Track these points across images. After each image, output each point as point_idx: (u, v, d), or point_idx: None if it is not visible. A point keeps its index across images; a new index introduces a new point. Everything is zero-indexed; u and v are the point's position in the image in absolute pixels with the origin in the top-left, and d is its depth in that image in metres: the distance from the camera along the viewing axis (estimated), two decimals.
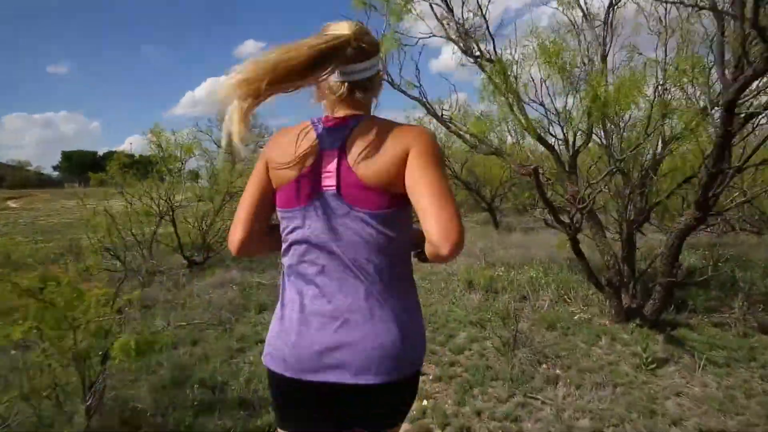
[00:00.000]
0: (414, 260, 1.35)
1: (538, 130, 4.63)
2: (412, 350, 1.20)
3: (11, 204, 33.31)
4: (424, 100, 5.73)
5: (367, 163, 1.15)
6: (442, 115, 5.81)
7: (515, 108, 4.57)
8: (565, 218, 4.40)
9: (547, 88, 4.39)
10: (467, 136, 5.52)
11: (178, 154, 8.24)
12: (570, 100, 4.74)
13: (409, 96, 5.78)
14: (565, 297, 5.59)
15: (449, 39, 5.09)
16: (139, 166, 8.89)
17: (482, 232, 11.87)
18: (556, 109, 4.46)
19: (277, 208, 1.26)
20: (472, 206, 20.81)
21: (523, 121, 4.57)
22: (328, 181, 1.17)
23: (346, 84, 1.22)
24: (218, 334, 4.70)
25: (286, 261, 1.27)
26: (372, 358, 1.15)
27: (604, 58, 4.86)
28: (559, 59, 4.20)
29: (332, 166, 1.17)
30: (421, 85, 5.79)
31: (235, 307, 5.61)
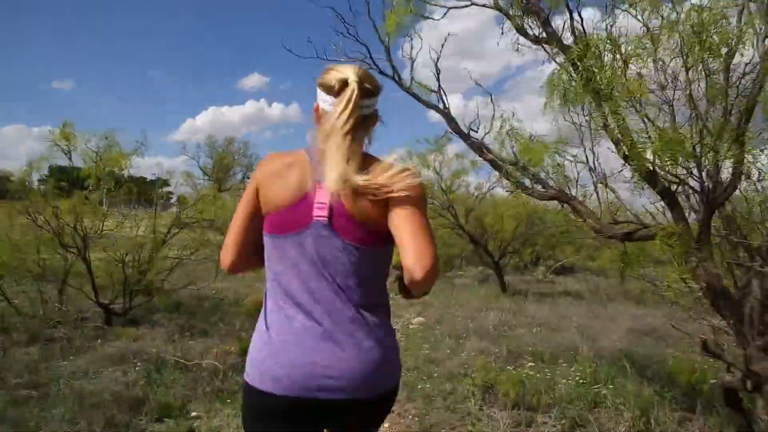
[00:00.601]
0: (399, 299, 1.54)
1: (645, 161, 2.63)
2: (392, 368, 1.32)
3: None
4: (446, 109, 3.80)
5: (356, 199, 1.24)
6: (469, 134, 3.85)
7: (612, 120, 2.62)
8: None
9: (690, 86, 2.37)
10: (509, 168, 3.54)
11: (95, 167, 6.18)
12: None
13: (424, 103, 3.85)
14: None
15: (497, 8, 3.19)
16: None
17: (489, 297, 9.80)
18: (704, 126, 2.42)
19: (268, 233, 1.31)
20: (469, 258, 18.75)
21: (625, 147, 2.61)
22: (320, 212, 1.25)
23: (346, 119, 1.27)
24: None
25: (275, 284, 1.31)
26: (360, 375, 1.23)
27: None
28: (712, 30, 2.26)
29: (324, 198, 1.26)
30: (441, 88, 3.87)
31: (121, 408, 3.47)
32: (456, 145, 13.76)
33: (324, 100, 1.33)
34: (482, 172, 16.31)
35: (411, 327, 6.74)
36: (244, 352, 4.77)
